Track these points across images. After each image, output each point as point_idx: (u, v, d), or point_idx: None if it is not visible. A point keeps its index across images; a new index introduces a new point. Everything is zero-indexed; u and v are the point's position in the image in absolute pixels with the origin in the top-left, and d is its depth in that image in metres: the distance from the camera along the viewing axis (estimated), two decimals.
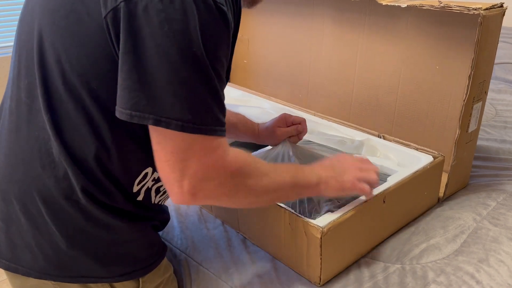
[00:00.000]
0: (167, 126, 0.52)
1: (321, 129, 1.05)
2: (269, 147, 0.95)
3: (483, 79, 0.88)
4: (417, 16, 0.94)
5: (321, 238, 0.68)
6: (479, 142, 1.11)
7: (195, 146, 0.54)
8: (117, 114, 0.54)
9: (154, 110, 0.51)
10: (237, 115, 0.94)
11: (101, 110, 0.59)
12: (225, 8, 0.52)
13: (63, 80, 0.58)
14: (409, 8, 0.90)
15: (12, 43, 2.39)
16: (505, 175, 1.02)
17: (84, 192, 0.61)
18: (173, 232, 0.91)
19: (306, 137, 0.99)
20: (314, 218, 0.70)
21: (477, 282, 0.71)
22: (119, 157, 0.62)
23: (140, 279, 0.70)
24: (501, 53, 1.57)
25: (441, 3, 0.82)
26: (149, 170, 0.66)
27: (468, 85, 0.83)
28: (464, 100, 0.85)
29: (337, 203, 0.78)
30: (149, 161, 0.64)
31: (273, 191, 0.64)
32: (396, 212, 0.83)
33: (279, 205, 0.73)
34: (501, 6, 0.82)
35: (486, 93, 0.91)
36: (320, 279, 0.72)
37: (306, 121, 0.94)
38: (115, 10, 0.51)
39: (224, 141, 0.57)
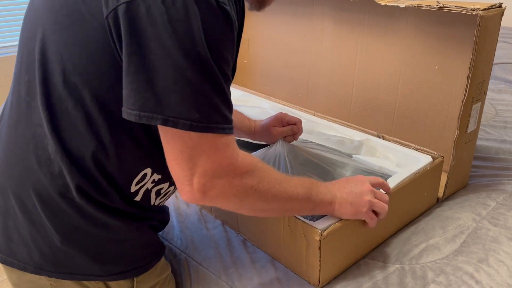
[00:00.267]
0: (175, 125, 0.52)
1: (321, 129, 1.05)
2: (266, 148, 0.95)
3: (482, 79, 0.88)
4: (416, 16, 0.95)
5: (320, 240, 0.68)
6: (479, 142, 1.11)
7: (203, 144, 0.54)
8: (125, 115, 0.54)
9: (161, 110, 0.52)
10: (234, 112, 0.94)
11: (100, 110, 0.59)
12: (227, 7, 0.53)
13: (63, 78, 0.58)
14: (408, 8, 0.90)
15: (12, 43, 2.40)
16: (505, 175, 1.02)
17: (79, 190, 0.62)
18: (173, 232, 0.92)
19: (305, 137, 0.99)
20: (314, 221, 0.70)
21: (477, 282, 0.71)
22: (117, 156, 0.62)
23: (135, 279, 0.71)
24: (501, 53, 1.57)
25: (440, 3, 0.82)
26: (148, 170, 0.66)
27: (467, 86, 0.83)
28: (463, 101, 0.85)
29: None
30: (148, 161, 0.65)
31: (284, 200, 0.63)
32: (396, 213, 0.83)
33: None
34: (500, 6, 0.82)
35: (485, 93, 0.91)
36: (319, 281, 0.72)
37: (306, 121, 0.94)
38: (117, 11, 0.51)
39: (233, 139, 0.57)
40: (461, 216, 0.87)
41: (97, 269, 0.66)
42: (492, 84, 1.43)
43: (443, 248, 0.79)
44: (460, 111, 0.86)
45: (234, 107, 0.93)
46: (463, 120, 0.87)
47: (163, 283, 0.77)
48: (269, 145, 0.98)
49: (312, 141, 0.99)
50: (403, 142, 0.96)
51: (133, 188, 0.66)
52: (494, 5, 0.81)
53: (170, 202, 0.99)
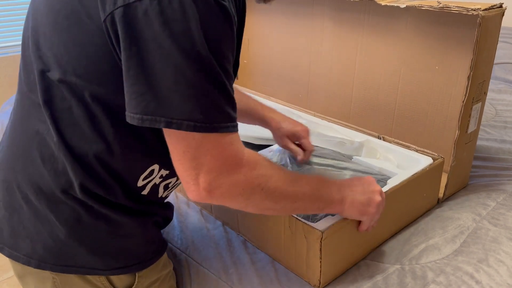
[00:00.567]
0: (179, 127, 0.52)
1: (321, 130, 1.05)
2: (268, 149, 0.95)
3: (483, 79, 0.88)
4: (416, 16, 0.95)
5: (320, 241, 0.68)
6: (479, 142, 1.11)
7: (207, 144, 0.54)
8: (128, 120, 0.54)
9: (164, 112, 0.51)
10: (247, 97, 0.92)
11: (103, 109, 0.59)
12: (225, 3, 0.52)
13: (64, 79, 0.58)
14: (408, 8, 0.90)
15: (12, 43, 2.40)
16: (505, 175, 1.02)
17: (82, 188, 0.62)
18: (173, 232, 0.92)
19: None
20: (314, 222, 0.70)
21: (477, 282, 0.71)
22: (122, 154, 0.62)
23: (137, 274, 0.71)
24: (501, 53, 1.57)
25: (440, 3, 0.82)
26: (155, 167, 0.66)
27: (467, 86, 0.83)
28: (463, 101, 0.85)
29: None
30: (155, 158, 0.65)
31: (292, 200, 0.63)
32: (396, 214, 0.83)
33: None
34: (501, 6, 0.82)
35: (485, 93, 0.91)
36: (320, 282, 0.72)
37: (306, 121, 0.95)
38: (114, 15, 0.51)
39: (237, 136, 0.57)
40: (461, 216, 0.87)
41: (100, 263, 0.67)
42: (492, 84, 1.43)
43: (443, 248, 0.79)
44: (461, 111, 0.86)
45: (242, 96, 0.90)
46: (463, 121, 0.87)
47: (164, 279, 0.77)
48: (271, 145, 0.98)
49: (312, 142, 0.99)
50: (404, 143, 0.96)
51: (140, 183, 0.66)
52: (494, 5, 0.80)
53: (171, 200, 0.99)
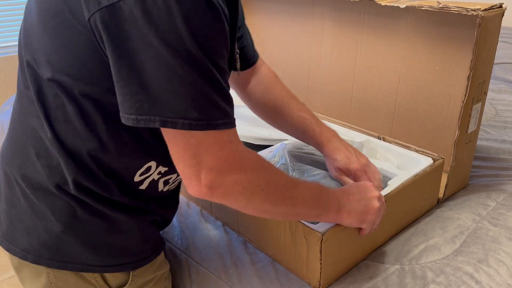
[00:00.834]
0: (174, 126, 0.51)
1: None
2: (267, 150, 0.95)
3: (483, 79, 0.88)
4: (416, 16, 0.95)
5: (321, 243, 0.68)
6: (479, 142, 1.11)
7: (206, 141, 0.53)
8: (123, 121, 0.53)
9: (158, 111, 0.51)
10: (305, 117, 0.84)
11: (95, 107, 0.59)
12: None
13: (54, 77, 0.58)
14: (408, 8, 0.90)
15: (12, 43, 2.40)
16: (505, 175, 1.02)
17: (76, 183, 0.62)
18: (173, 232, 0.92)
19: None
20: (314, 223, 0.70)
21: (477, 282, 0.71)
22: (116, 151, 0.62)
23: (131, 272, 0.71)
24: (501, 53, 1.57)
25: (440, 3, 0.82)
26: (152, 164, 0.66)
27: (467, 86, 0.83)
28: (463, 101, 0.85)
29: None
30: (152, 155, 0.65)
31: (291, 205, 0.62)
32: (397, 216, 0.83)
33: None
34: (500, 6, 0.82)
35: (485, 93, 0.91)
36: (320, 283, 0.72)
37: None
38: (98, 15, 0.50)
39: (235, 134, 0.57)
40: (461, 217, 0.87)
41: (94, 260, 0.67)
42: (492, 84, 1.43)
43: (443, 248, 0.79)
44: (461, 111, 0.86)
45: (298, 111, 0.85)
46: (463, 121, 0.87)
47: (159, 279, 0.77)
48: (271, 145, 0.98)
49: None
50: (404, 143, 0.96)
51: (137, 179, 0.66)
52: (494, 5, 0.80)
53: None
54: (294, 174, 0.87)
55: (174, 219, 0.94)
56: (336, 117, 1.12)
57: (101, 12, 0.49)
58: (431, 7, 0.83)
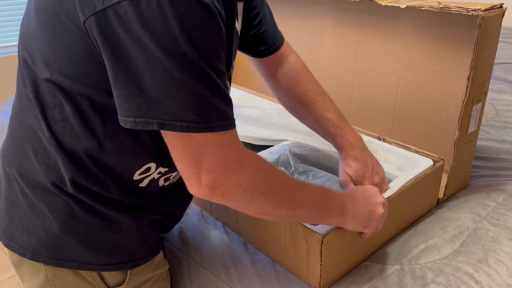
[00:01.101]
0: (173, 128, 0.51)
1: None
2: (268, 150, 0.95)
3: (483, 80, 0.88)
4: (416, 16, 0.95)
5: (321, 245, 0.68)
6: (479, 142, 1.11)
7: (205, 143, 0.53)
8: (122, 123, 0.53)
9: (157, 114, 0.51)
10: (328, 119, 0.82)
11: (92, 107, 0.59)
12: (207, 0, 0.50)
13: (52, 78, 0.58)
14: (408, 8, 0.90)
15: (12, 43, 2.40)
16: (505, 175, 1.02)
17: (73, 182, 0.62)
18: (173, 232, 0.92)
19: (306, 140, 0.99)
20: (315, 225, 0.70)
21: (476, 282, 0.71)
22: (114, 152, 0.62)
23: (128, 271, 0.71)
24: (501, 53, 1.57)
25: (440, 3, 0.82)
26: (151, 165, 0.66)
27: (467, 86, 0.83)
28: (463, 101, 0.85)
29: None
30: (151, 157, 0.65)
31: (292, 207, 0.62)
32: (397, 217, 0.83)
33: None
34: (501, 7, 0.82)
35: (485, 94, 0.91)
36: (320, 285, 0.72)
37: (311, 127, 0.92)
38: (93, 18, 0.50)
39: (235, 135, 0.56)
40: (461, 217, 0.87)
41: (92, 259, 0.67)
42: (492, 84, 1.43)
43: (443, 248, 0.79)
44: (461, 111, 0.86)
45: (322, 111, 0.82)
46: (463, 121, 0.87)
47: (158, 279, 0.77)
48: (272, 146, 0.98)
49: (313, 144, 0.99)
50: (404, 144, 0.96)
51: (136, 177, 0.66)
52: (495, 5, 0.80)
53: None
54: (298, 176, 0.87)
55: None
56: None
57: (96, 16, 0.49)
58: (431, 7, 0.83)
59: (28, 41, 0.60)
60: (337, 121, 0.82)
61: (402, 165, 0.92)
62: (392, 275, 0.74)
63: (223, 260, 0.82)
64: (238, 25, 0.69)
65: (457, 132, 0.87)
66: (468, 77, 0.83)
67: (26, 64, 0.61)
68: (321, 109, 0.83)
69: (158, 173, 0.68)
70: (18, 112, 0.66)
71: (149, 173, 0.67)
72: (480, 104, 0.90)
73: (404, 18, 0.97)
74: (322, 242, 0.67)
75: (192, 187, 0.56)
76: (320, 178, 0.86)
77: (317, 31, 1.17)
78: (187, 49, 0.49)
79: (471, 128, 0.91)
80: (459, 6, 0.79)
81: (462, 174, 0.97)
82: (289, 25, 1.24)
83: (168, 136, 0.55)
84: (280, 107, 1.20)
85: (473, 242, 0.80)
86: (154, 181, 0.69)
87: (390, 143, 0.98)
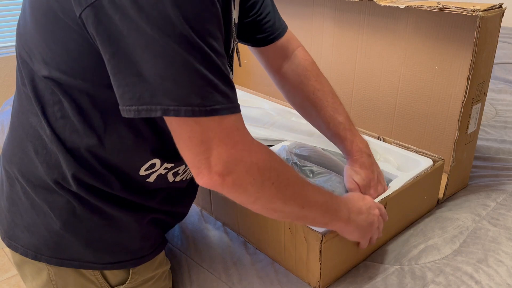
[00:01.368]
0: (177, 114, 0.49)
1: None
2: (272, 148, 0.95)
3: (482, 80, 0.88)
4: (416, 17, 0.95)
5: (321, 244, 0.68)
6: (479, 142, 1.11)
7: (212, 128, 0.51)
8: (124, 114, 0.52)
9: (160, 100, 0.49)
10: (339, 123, 0.80)
11: (91, 103, 0.59)
12: None
13: (50, 75, 0.58)
14: (408, 9, 0.90)
15: (12, 43, 2.40)
16: (505, 175, 1.02)
17: (76, 179, 0.62)
18: (173, 232, 0.92)
19: (306, 140, 0.99)
20: None
21: (476, 282, 0.71)
22: (115, 148, 0.62)
23: (131, 270, 0.71)
24: (501, 53, 1.57)
25: (440, 4, 0.82)
26: (156, 161, 0.65)
27: (467, 87, 0.84)
28: (463, 102, 0.85)
29: None
30: (153, 153, 0.64)
31: (301, 205, 0.60)
32: (397, 217, 0.83)
33: None
34: (500, 7, 0.82)
35: (485, 94, 0.91)
36: (320, 284, 0.72)
37: (307, 123, 0.92)
38: (89, 10, 0.49)
39: (241, 120, 0.54)
40: (460, 217, 0.87)
41: (93, 258, 0.67)
42: (492, 84, 1.43)
43: (442, 248, 0.79)
44: (460, 112, 0.86)
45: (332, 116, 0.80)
46: (463, 121, 0.87)
47: (160, 278, 0.77)
48: (272, 146, 0.98)
49: (313, 144, 0.99)
50: (404, 144, 0.96)
51: (142, 173, 0.65)
52: (494, 6, 0.80)
53: None
54: (299, 172, 0.87)
55: None
56: None
57: (92, 7, 0.49)
58: (430, 7, 0.83)
59: (25, 39, 0.60)
60: (348, 124, 0.81)
61: (402, 165, 0.92)
62: (392, 275, 0.74)
63: (223, 260, 0.82)
64: (235, 12, 0.68)
65: (457, 132, 0.87)
66: (468, 77, 0.83)
67: (24, 63, 0.61)
68: (331, 110, 0.81)
69: (164, 169, 0.67)
70: (18, 111, 0.66)
71: (155, 169, 0.66)
72: (480, 104, 0.90)
73: (404, 19, 0.97)
74: (321, 241, 0.67)
75: (201, 176, 0.53)
76: (321, 177, 0.85)
77: (317, 31, 1.17)
78: (184, 30, 0.48)
79: (471, 128, 0.91)
80: (458, 6, 0.79)
81: (462, 174, 0.98)
82: (289, 25, 1.24)
83: (173, 123, 0.52)
84: (280, 107, 1.20)
85: (473, 242, 0.80)
86: (162, 177, 0.68)
87: (390, 143, 0.98)
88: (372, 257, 0.79)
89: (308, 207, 0.61)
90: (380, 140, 1.00)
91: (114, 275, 0.70)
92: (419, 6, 0.86)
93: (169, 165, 0.67)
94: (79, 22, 0.51)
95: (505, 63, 1.55)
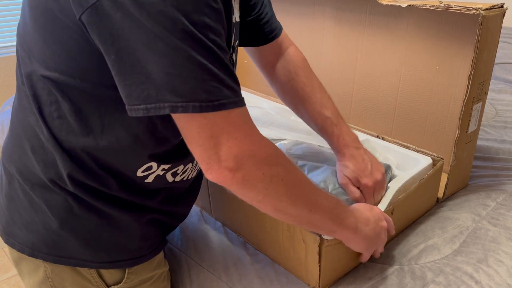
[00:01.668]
0: (185, 110, 0.49)
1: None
2: None
3: (483, 79, 0.88)
4: (417, 16, 0.94)
5: (319, 247, 0.67)
6: (479, 142, 1.11)
7: (220, 122, 0.51)
8: (132, 113, 0.52)
9: (167, 97, 0.49)
10: (325, 118, 0.80)
11: (89, 103, 0.58)
12: None
13: (48, 74, 0.58)
14: (409, 8, 0.90)
15: (12, 43, 2.40)
16: (505, 175, 1.02)
17: (72, 179, 0.62)
18: (173, 232, 0.92)
19: (305, 138, 0.99)
20: None
21: (476, 282, 0.71)
22: (112, 150, 0.61)
23: (127, 270, 0.71)
24: (501, 53, 1.57)
25: (442, 3, 0.82)
26: (153, 164, 0.65)
27: (468, 86, 0.83)
28: (464, 101, 0.85)
29: None
30: (150, 157, 0.64)
31: (309, 208, 0.59)
32: (398, 218, 0.82)
33: None
34: (502, 6, 0.82)
35: (486, 93, 0.91)
36: (319, 285, 0.72)
37: (307, 123, 0.92)
38: (90, 10, 0.49)
39: (248, 114, 0.54)
40: (461, 217, 0.87)
41: (90, 256, 0.67)
42: (492, 84, 1.43)
43: (442, 248, 0.79)
44: (461, 111, 0.86)
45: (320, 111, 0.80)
46: (464, 120, 0.87)
47: (158, 279, 0.76)
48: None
49: (312, 142, 0.99)
50: (403, 143, 0.96)
51: (140, 174, 0.65)
52: (495, 5, 0.80)
53: None
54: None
55: None
56: None
57: (93, 8, 0.49)
58: (432, 6, 0.83)
59: (24, 39, 0.60)
60: (335, 119, 0.81)
61: (401, 164, 0.92)
62: (391, 275, 0.74)
63: (223, 260, 0.82)
64: (236, 12, 0.67)
65: (457, 131, 0.87)
66: (469, 76, 0.83)
67: (23, 62, 0.61)
68: (319, 105, 0.81)
69: (161, 170, 0.67)
70: (17, 110, 0.66)
71: (152, 171, 0.66)
72: (480, 104, 0.90)
73: (405, 18, 0.97)
74: (320, 243, 0.67)
75: (210, 171, 0.53)
76: (316, 170, 0.84)
77: (317, 31, 1.17)
78: (186, 26, 0.48)
79: (472, 128, 0.91)
80: (460, 5, 0.79)
81: (462, 174, 0.97)
82: (289, 25, 1.24)
83: (181, 120, 0.52)
84: (279, 106, 1.20)
85: (473, 242, 0.80)
86: (160, 177, 0.68)
87: (389, 141, 0.98)
88: (372, 257, 0.79)
89: (315, 211, 0.61)
90: (379, 139, 1.00)
91: (110, 274, 0.70)
92: (421, 5, 0.86)
93: (166, 166, 0.67)
94: (79, 24, 0.51)
95: (505, 63, 1.55)
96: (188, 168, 0.71)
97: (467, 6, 0.78)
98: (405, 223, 0.86)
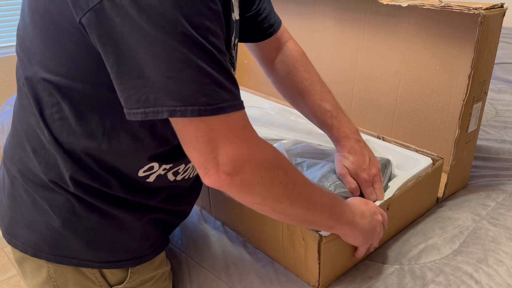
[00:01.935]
0: (183, 114, 0.49)
1: (321, 130, 1.05)
2: None
3: (483, 79, 0.88)
4: (417, 15, 0.94)
5: (319, 244, 0.67)
6: (479, 142, 1.11)
7: (218, 126, 0.51)
8: (131, 117, 0.52)
9: (165, 102, 0.49)
10: (325, 110, 0.80)
11: (89, 105, 0.58)
12: None
13: (48, 77, 0.58)
14: (409, 7, 0.90)
15: (12, 43, 2.40)
16: (505, 175, 1.02)
17: (73, 180, 0.62)
18: (173, 232, 0.91)
19: (305, 138, 0.99)
20: None
21: (476, 282, 0.71)
22: (113, 152, 0.61)
23: (129, 269, 0.71)
24: (501, 53, 1.57)
25: (442, 2, 0.82)
26: (154, 164, 0.65)
27: (468, 85, 0.83)
28: (464, 100, 0.85)
29: None
30: (151, 157, 0.64)
31: (307, 207, 0.60)
32: (397, 217, 0.82)
33: None
34: (502, 6, 0.82)
35: (486, 93, 0.91)
36: (319, 283, 0.72)
37: (306, 121, 0.91)
38: (90, 14, 0.49)
39: (246, 117, 0.54)
40: (460, 217, 0.87)
41: (92, 256, 0.67)
42: (492, 84, 1.43)
43: (442, 248, 0.79)
44: (461, 110, 0.86)
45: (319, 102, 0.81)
46: (463, 120, 0.87)
47: (159, 278, 0.76)
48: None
49: (312, 142, 0.99)
50: (403, 143, 0.96)
51: (141, 174, 0.65)
52: (496, 5, 0.80)
53: None
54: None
55: None
56: None
57: (93, 11, 0.49)
58: (432, 6, 0.83)
59: (24, 41, 0.60)
60: (335, 111, 0.81)
61: (401, 164, 0.92)
62: (391, 274, 0.74)
63: (223, 259, 0.82)
64: (236, 9, 0.67)
65: (457, 130, 0.87)
66: (469, 76, 0.83)
67: (23, 64, 0.61)
68: (318, 98, 0.81)
69: (163, 170, 0.67)
70: (18, 111, 0.66)
71: (153, 171, 0.66)
72: (480, 103, 0.90)
73: (406, 17, 0.97)
74: (320, 241, 0.67)
75: (208, 176, 0.52)
76: (315, 166, 0.84)
77: (318, 30, 1.17)
78: (186, 29, 0.48)
79: (471, 127, 0.91)
80: (460, 5, 0.79)
81: (462, 174, 0.97)
82: (290, 24, 1.23)
83: (179, 124, 0.52)
84: (279, 106, 1.20)
85: (472, 242, 0.80)
86: (162, 176, 0.68)
87: (389, 141, 0.98)
88: (372, 256, 0.79)
89: (315, 210, 0.61)
90: (379, 139, 1.00)
91: (113, 274, 0.70)
92: (421, 4, 0.86)
93: (167, 166, 0.67)
94: (79, 27, 0.51)
95: (505, 63, 1.55)
96: (189, 167, 0.71)
97: (467, 6, 0.78)
98: (404, 223, 0.86)
